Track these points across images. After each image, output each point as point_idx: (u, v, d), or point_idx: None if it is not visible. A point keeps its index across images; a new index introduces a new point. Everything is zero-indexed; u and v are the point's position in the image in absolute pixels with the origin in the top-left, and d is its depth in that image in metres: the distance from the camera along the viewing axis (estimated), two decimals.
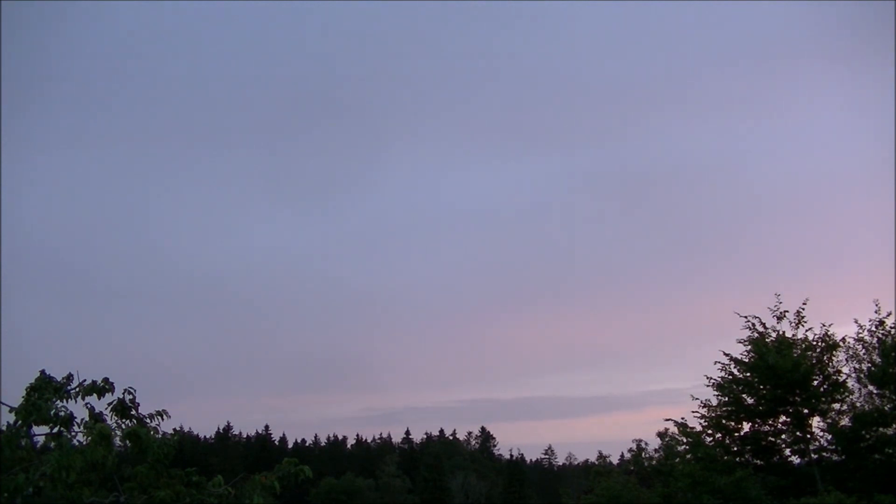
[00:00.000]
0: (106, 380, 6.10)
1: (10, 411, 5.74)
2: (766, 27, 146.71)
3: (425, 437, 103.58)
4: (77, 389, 6.01)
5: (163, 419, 6.06)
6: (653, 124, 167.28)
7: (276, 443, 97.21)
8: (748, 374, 18.93)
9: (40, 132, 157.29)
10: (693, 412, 19.48)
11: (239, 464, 75.13)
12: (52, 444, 5.59)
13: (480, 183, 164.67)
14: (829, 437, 18.59)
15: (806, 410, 18.49)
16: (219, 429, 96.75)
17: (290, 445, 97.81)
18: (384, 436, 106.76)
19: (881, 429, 18.12)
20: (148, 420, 6.01)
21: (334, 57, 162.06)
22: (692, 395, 19.78)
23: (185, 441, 76.50)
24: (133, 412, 6.03)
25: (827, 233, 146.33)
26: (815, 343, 18.85)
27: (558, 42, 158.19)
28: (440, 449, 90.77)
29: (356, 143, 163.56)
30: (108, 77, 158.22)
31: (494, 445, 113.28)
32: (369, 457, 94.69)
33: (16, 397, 5.86)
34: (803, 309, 19.15)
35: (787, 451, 19.11)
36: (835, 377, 18.86)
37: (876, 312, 19.11)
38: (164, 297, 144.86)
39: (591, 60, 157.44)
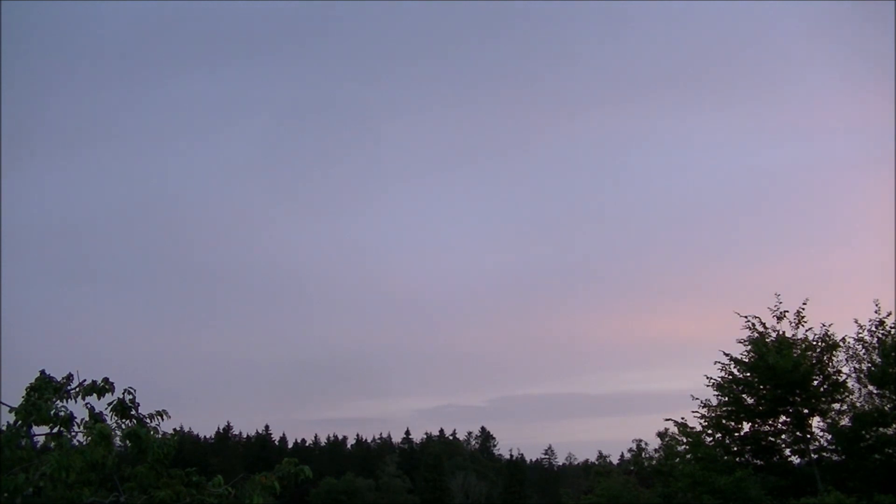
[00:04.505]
0: (106, 380, 6.11)
1: (10, 411, 5.75)
2: (763, 24, 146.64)
3: (425, 437, 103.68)
4: (77, 389, 6.02)
5: (163, 419, 6.07)
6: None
7: (276, 443, 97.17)
8: (748, 374, 18.95)
9: (39, 130, 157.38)
10: (693, 412, 19.53)
11: (239, 464, 75.03)
12: (52, 444, 5.60)
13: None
14: (829, 437, 18.62)
15: (806, 410, 18.52)
16: (219, 429, 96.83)
17: (290, 445, 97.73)
18: (384, 436, 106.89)
19: (881, 429, 18.13)
20: (148, 420, 6.01)
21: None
22: (692, 395, 19.83)
23: (185, 441, 76.54)
24: (133, 412, 6.04)
25: (827, 233, 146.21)
26: (815, 343, 18.88)
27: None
28: (440, 449, 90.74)
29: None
30: (109, 72, 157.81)
31: (494, 445, 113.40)
32: (369, 457, 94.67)
33: (16, 397, 5.88)
34: (803, 309, 19.20)
35: (787, 451, 19.16)
36: (835, 377, 18.89)
37: (876, 312, 19.16)
38: (164, 296, 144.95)
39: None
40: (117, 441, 5.82)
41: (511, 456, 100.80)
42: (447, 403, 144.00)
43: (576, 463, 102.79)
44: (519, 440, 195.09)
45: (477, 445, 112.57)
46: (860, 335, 19.34)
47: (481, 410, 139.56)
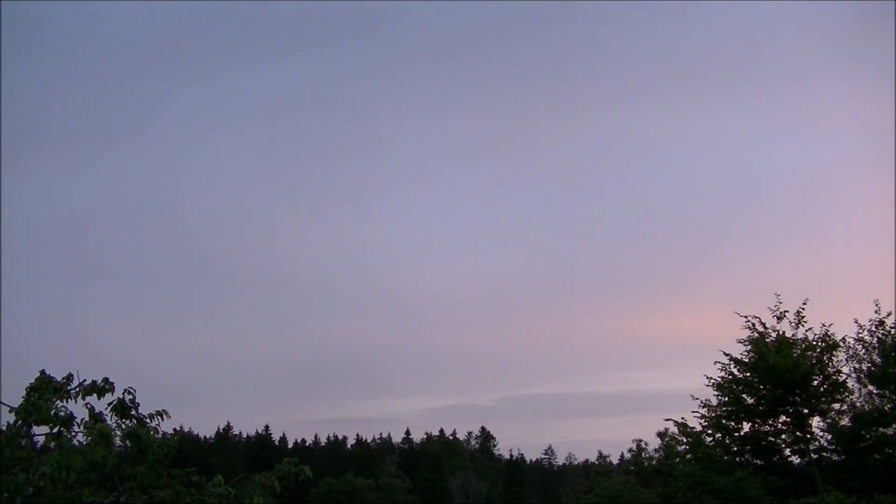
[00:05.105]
0: (106, 380, 6.11)
1: (10, 411, 5.76)
2: (763, 25, 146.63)
3: (425, 437, 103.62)
4: (77, 389, 6.03)
5: (163, 419, 6.08)
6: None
7: (276, 443, 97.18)
8: (748, 374, 18.94)
9: (41, 131, 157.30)
10: (693, 412, 19.51)
11: (239, 464, 75.06)
12: (52, 444, 5.61)
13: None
14: (829, 437, 18.60)
15: (806, 410, 18.50)
16: (219, 429, 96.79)
17: (290, 445, 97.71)
18: (384, 436, 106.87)
19: (881, 429, 18.12)
20: (148, 420, 6.02)
21: None
22: (692, 395, 19.82)
23: (185, 441, 76.44)
24: (133, 412, 6.04)
25: (827, 233, 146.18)
26: (815, 343, 18.85)
27: None
28: (440, 449, 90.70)
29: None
30: (111, 72, 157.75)
31: (494, 445, 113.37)
32: (369, 457, 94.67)
33: (16, 397, 5.88)
34: (803, 309, 19.17)
35: (787, 451, 19.12)
36: (835, 377, 18.86)
37: (876, 312, 19.11)
38: (164, 296, 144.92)
39: None
40: (117, 441, 5.83)
41: (511, 456, 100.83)
42: (455, 403, 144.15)
43: (576, 463, 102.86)
44: (519, 440, 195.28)
45: (477, 445, 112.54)
46: (860, 335, 19.32)
47: (489, 410, 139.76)
